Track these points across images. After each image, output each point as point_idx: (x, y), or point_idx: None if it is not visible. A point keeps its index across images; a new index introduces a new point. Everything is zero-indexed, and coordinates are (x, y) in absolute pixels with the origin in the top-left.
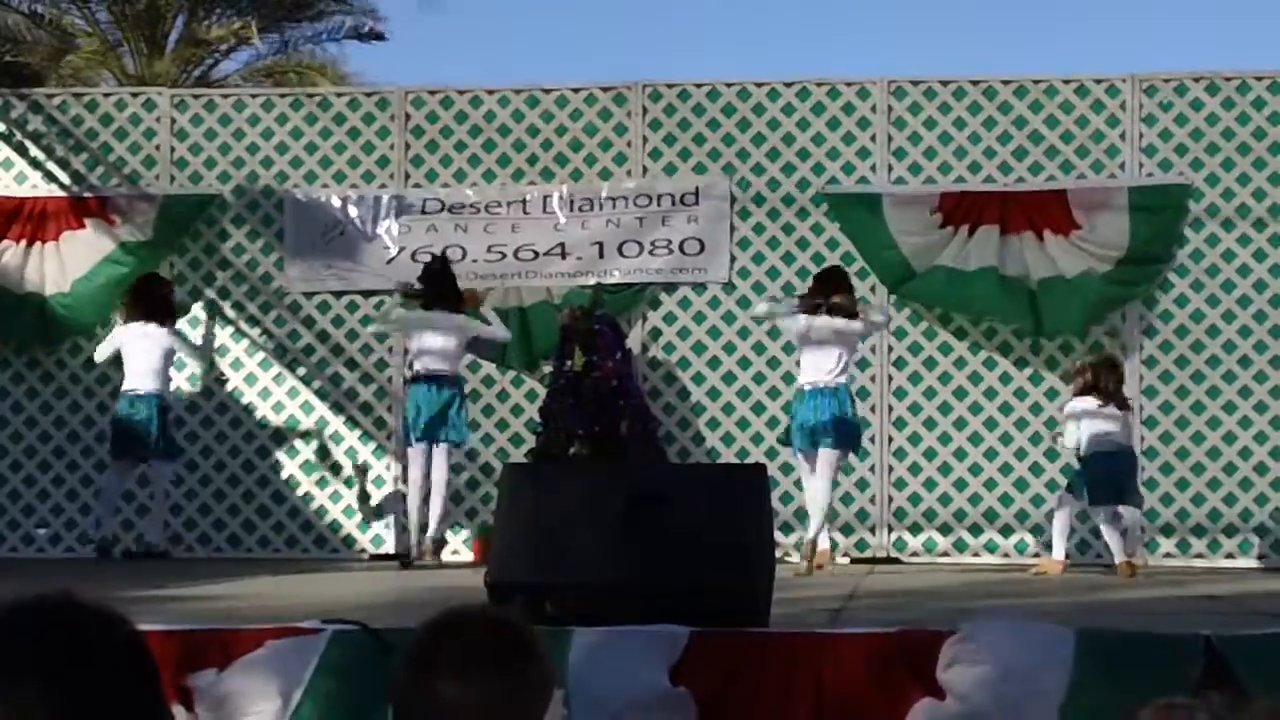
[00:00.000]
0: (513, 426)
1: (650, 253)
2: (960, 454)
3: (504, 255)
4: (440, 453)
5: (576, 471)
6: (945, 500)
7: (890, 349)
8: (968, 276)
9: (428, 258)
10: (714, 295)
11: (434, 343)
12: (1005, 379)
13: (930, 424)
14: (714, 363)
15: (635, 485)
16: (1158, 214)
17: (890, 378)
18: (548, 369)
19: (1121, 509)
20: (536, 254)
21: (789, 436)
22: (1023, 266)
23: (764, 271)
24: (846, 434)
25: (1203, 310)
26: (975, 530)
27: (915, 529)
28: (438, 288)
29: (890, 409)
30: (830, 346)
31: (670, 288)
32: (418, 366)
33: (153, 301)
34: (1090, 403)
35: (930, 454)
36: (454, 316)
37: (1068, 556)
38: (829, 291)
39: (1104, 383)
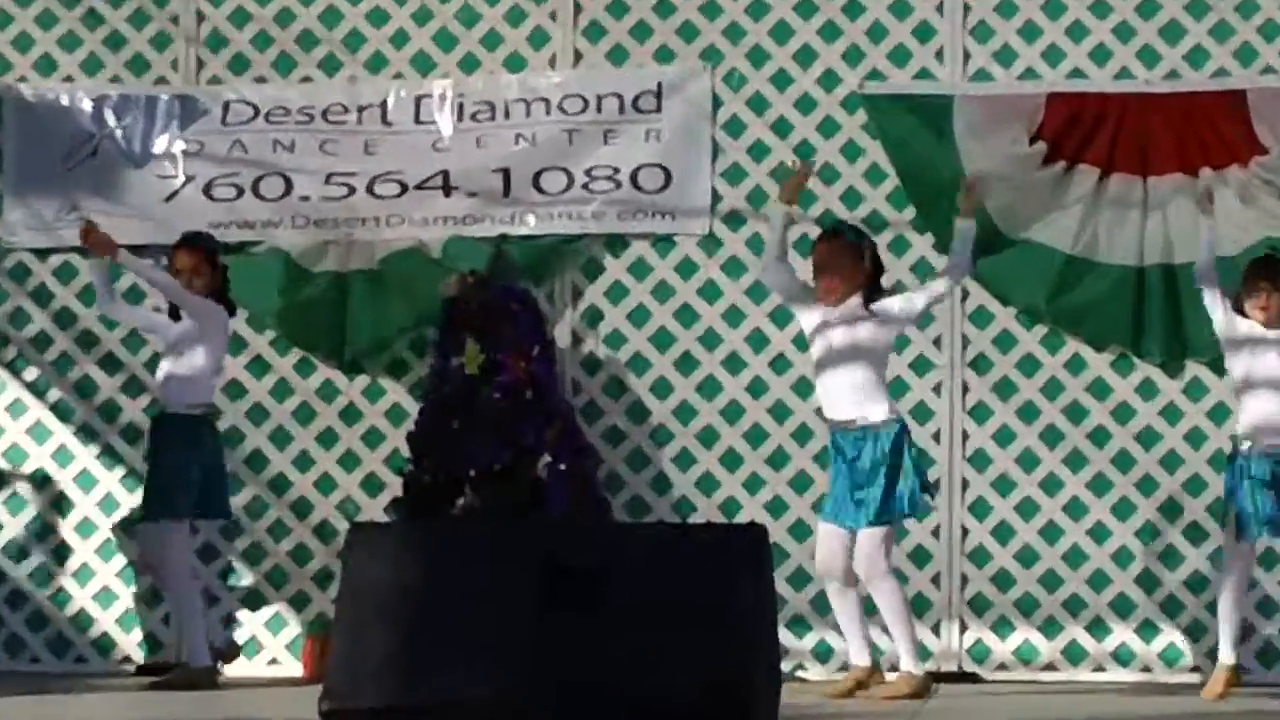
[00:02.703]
0: (365, 463)
1: (585, 186)
2: (1075, 508)
3: (351, 189)
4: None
5: (465, 534)
6: (1050, 582)
7: (965, 341)
8: (1091, 276)
9: (231, 191)
10: (686, 255)
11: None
12: (1147, 390)
13: (1028, 460)
14: (686, 363)
15: (558, 555)
16: None
17: (965, 386)
18: (423, 369)
19: None
20: (404, 187)
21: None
22: (1165, 247)
23: (766, 217)
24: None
25: None
26: (1098, 629)
27: (1003, 627)
28: None
29: (964, 436)
30: (852, 362)
31: (617, 242)
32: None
33: None
34: (1253, 330)
35: (1027, 508)
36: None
37: (1239, 667)
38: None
39: (1270, 294)
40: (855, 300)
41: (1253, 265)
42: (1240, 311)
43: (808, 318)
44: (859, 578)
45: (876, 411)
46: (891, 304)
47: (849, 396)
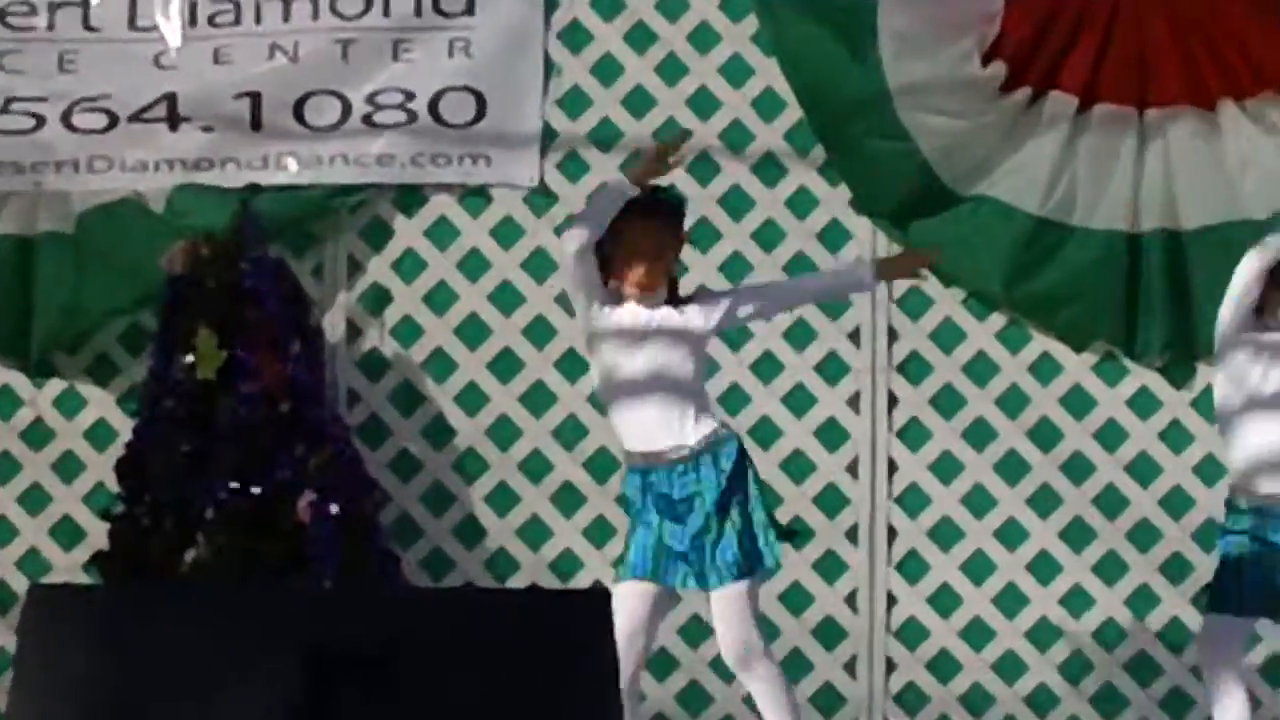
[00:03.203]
0: (56, 501)
1: (367, 119)
2: (1044, 566)
3: (39, 121)
4: None
5: (195, 603)
6: (1008, 668)
7: (892, 335)
8: (1068, 246)
9: None
10: (507, 213)
11: None
12: (1144, 403)
13: (979, 501)
14: (506, 364)
15: (327, 632)
16: None
17: (893, 399)
18: (139, 371)
19: None
20: (113, 118)
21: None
22: (1167, 205)
23: (624, 156)
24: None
25: None
26: None
27: None
28: None
29: (892, 468)
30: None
31: (410, 195)
32: None
33: None
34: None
35: (978, 568)
36: None
37: None
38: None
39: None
40: (663, 291)
41: None
42: (1258, 310)
43: (604, 319)
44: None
45: (702, 428)
46: (728, 305)
47: (662, 422)
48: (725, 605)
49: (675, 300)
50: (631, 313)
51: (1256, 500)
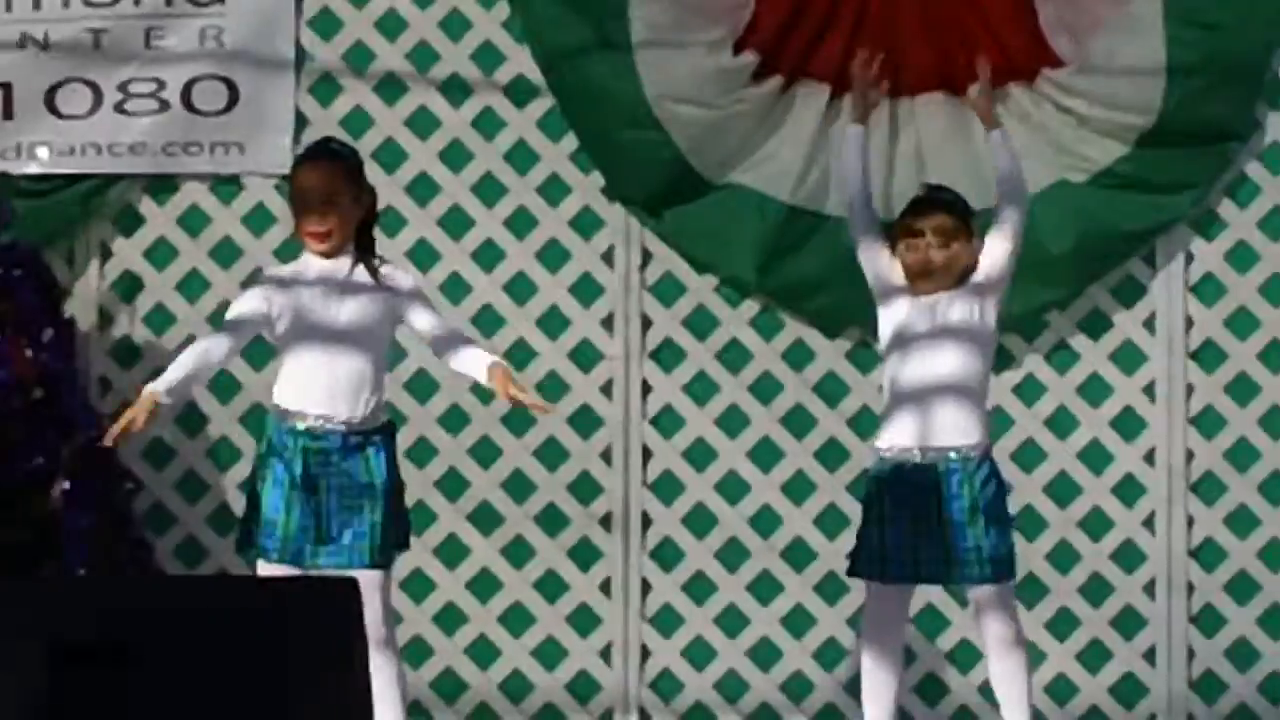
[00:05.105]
0: None
1: (119, 107)
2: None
3: None
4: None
5: None
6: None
7: (646, 323)
8: (820, 234)
9: None
10: (260, 201)
11: None
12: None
13: (732, 489)
14: (257, 351)
15: (75, 622)
16: (1228, 38)
17: (647, 386)
18: None
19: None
20: None
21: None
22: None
23: (379, 142)
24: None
25: None
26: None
27: None
28: None
29: (646, 455)
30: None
31: (161, 184)
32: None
33: None
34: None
35: (730, 554)
36: None
37: None
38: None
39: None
40: (350, 249)
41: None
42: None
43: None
44: None
45: (375, 404)
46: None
47: (347, 388)
48: (365, 589)
49: (368, 256)
50: (320, 267)
51: (889, 455)
